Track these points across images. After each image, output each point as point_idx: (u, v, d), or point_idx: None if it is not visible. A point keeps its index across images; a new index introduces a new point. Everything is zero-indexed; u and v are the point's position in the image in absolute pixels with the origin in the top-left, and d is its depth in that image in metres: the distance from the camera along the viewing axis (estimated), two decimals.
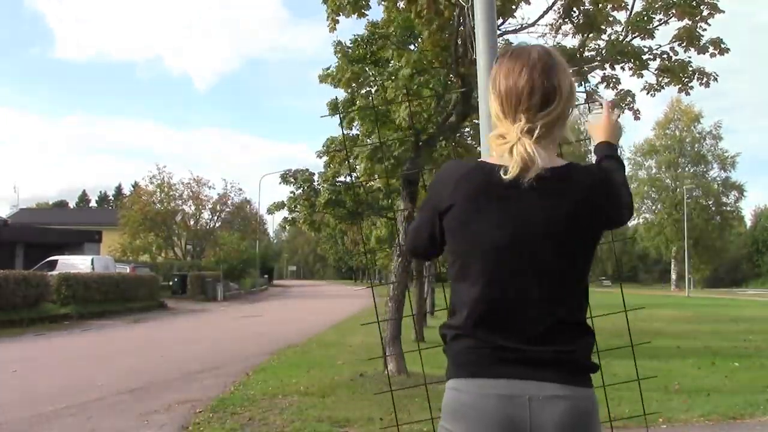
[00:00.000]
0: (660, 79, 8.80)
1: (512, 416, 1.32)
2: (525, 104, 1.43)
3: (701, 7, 8.14)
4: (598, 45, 8.87)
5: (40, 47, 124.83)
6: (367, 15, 7.92)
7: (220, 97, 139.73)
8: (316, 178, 11.56)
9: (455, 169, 1.49)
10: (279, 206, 12.45)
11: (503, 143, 1.42)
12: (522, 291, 1.38)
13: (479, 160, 1.52)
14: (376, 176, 9.78)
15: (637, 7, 8.48)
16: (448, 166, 1.53)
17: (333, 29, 7.81)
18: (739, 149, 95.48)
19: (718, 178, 57.26)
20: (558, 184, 1.40)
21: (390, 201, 11.19)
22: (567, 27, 8.62)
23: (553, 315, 1.38)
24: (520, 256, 1.38)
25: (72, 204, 76.11)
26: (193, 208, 42.57)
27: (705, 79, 8.57)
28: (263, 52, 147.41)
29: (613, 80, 8.95)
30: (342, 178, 11.37)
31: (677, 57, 8.53)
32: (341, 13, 7.61)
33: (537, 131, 1.40)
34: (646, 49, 8.57)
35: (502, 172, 1.40)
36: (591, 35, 8.60)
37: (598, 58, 8.62)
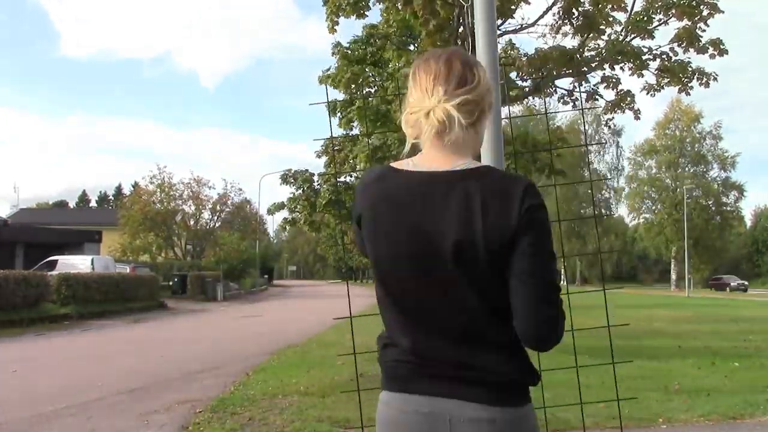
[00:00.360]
0: (660, 79, 8.82)
1: None
2: (443, 79, 1.38)
3: (701, 7, 8.15)
4: (598, 45, 8.89)
5: (41, 46, 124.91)
6: (367, 15, 7.96)
7: (220, 97, 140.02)
8: (316, 178, 11.57)
9: (366, 177, 1.44)
10: (279, 207, 12.45)
11: (417, 110, 1.37)
12: (434, 304, 1.32)
13: (390, 164, 1.44)
14: None
15: (637, 7, 8.50)
16: (363, 174, 1.49)
17: (332, 31, 7.85)
18: (740, 149, 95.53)
19: (718, 178, 57.36)
20: (463, 185, 1.30)
21: None
22: (567, 27, 8.64)
23: (467, 329, 1.30)
24: (423, 267, 1.31)
25: (72, 204, 76.24)
26: (193, 208, 42.65)
27: (705, 79, 8.59)
28: (264, 51, 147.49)
29: (613, 80, 8.98)
30: (342, 178, 11.37)
31: (677, 57, 8.55)
32: (340, 15, 7.65)
33: (457, 102, 1.34)
34: (645, 50, 8.59)
35: (408, 168, 1.36)
36: (591, 35, 8.61)
37: (598, 59, 8.63)
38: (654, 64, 8.67)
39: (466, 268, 1.28)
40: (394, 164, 1.42)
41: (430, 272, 1.30)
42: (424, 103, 1.37)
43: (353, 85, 8.59)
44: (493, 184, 1.30)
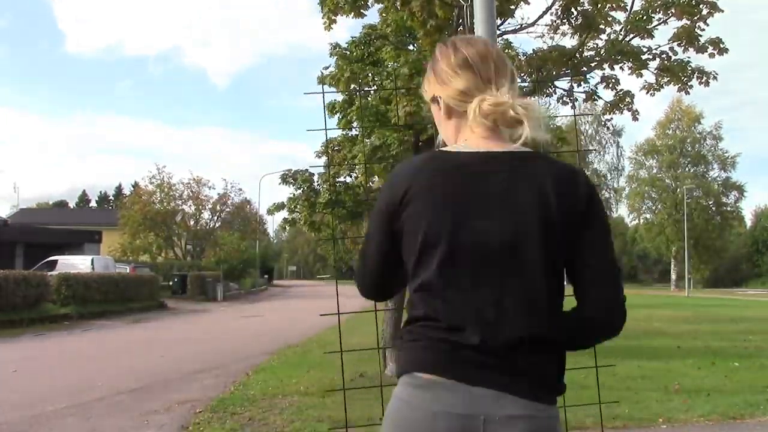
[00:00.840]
0: (659, 78, 8.81)
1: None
2: (502, 72, 1.30)
3: (700, 6, 8.14)
4: (597, 45, 8.89)
5: (42, 45, 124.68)
6: (366, 15, 7.94)
7: (225, 96, 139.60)
8: (315, 178, 11.55)
9: (409, 162, 1.34)
10: (279, 207, 12.43)
11: (498, 106, 1.25)
12: (486, 291, 1.21)
13: (436, 149, 1.36)
14: (376, 177, 9.78)
15: (636, 7, 8.49)
16: (401, 163, 1.36)
17: (329, 29, 7.82)
18: (740, 148, 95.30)
19: (718, 179, 57.31)
20: (527, 169, 1.25)
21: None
22: (566, 27, 8.64)
23: (522, 320, 1.20)
24: (484, 249, 1.21)
25: (72, 204, 76.08)
26: (193, 208, 42.64)
27: (704, 78, 8.58)
28: (267, 50, 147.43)
29: (612, 80, 8.97)
30: (342, 179, 11.35)
31: (677, 57, 8.54)
32: (338, 13, 7.62)
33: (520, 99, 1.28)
34: (645, 49, 8.58)
35: (460, 150, 1.28)
36: (590, 35, 8.61)
37: (597, 58, 8.63)
38: (654, 64, 8.66)
39: (546, 248, 1.21)
40: (441, 149, 1.33)
41: (498, 256, 1.21)
42: (495, 97, 1.26)
43: (353, 85, 8.57)
44: (559, 168, 1.27)
